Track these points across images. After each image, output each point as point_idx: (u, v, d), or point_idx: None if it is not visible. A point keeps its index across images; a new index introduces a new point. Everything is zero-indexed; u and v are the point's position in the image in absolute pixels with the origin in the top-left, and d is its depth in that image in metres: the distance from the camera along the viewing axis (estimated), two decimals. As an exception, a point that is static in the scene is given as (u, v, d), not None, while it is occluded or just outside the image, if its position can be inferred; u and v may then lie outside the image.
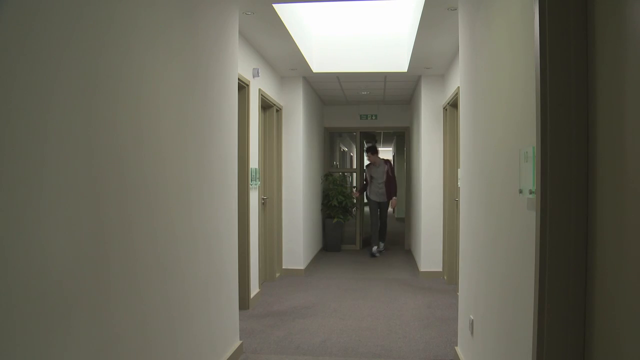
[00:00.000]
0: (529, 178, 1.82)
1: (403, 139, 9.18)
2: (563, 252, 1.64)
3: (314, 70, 6.17)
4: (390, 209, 12.43)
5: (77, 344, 1.62)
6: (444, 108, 6.23)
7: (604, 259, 1.53)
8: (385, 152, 19.60)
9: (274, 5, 3.95)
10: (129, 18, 1.99)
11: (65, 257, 1.57)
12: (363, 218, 9.19)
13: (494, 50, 2.50)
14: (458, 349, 3.43)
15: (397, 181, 8.49)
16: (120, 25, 1.91)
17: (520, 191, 1.94)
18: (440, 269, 6.34)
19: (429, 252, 6.43)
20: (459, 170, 3.60)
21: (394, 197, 8.31)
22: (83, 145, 1.66)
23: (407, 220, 8.87)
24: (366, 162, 8.57)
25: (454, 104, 5.68)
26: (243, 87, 4.66)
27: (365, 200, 8.79)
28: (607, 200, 1.52)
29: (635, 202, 1.33)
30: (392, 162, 8.56)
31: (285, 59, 5.63)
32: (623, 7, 1.42)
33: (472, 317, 2.95)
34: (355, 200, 8.91)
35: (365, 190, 8.44)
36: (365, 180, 8.42)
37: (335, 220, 8.28)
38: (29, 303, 1.40)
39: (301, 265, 6.59)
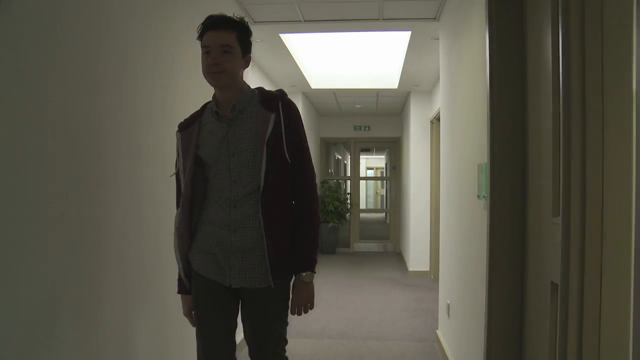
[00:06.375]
0: (483, 186, 2.41)
1: (395, 149, 9.68)
2: (505, 240, 2.22)
3: (313, 87, 6.77)
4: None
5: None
6: (431, 121, 6.83)
7: (534, 247, 2.11)
8: (379, 160, 19.90)
9: (280, 34, 4.55)
10: (168, 53, 2.55)
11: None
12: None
13: (463, 80, 3.09)
14: (438, 332, 4.01)
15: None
16: (157, 59, 2.47)
17: (478, 196, 2.53)
18: (428, 269, 6.93)
19: (417, 254, 7.02)
20: (441, 179, 4.20)
21: (309, 274, 1.84)
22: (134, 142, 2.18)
23: (397, 224, 9.45)
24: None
25: (439, 118, 6.29)
26: (251, 104, 5.23)
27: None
28: (535, 203, 2.10)
29: (546, 199, 1.91)
30: (294, 106, 1.88)
31: (287, 78, 6.23)
32: (544, 60, 2.00)
33: (449, 302, 3.53)
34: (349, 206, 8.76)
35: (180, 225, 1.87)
36: (181, 189, 1.87)
37: (330, 224, 8.85)
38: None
39: (300, 265, 7.13)
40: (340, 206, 8.97)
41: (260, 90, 1.91)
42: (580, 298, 1.44)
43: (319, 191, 8.84)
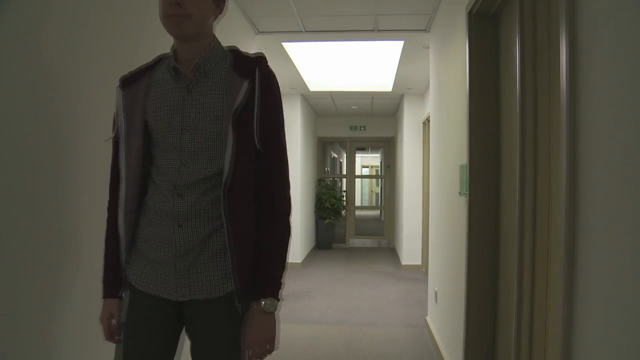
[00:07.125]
0: (464, 184, 2.76)
1: (389, 148, 10.03)
2: (482, 231, 2.57)
3: (311, 90, 7.11)
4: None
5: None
6: (423, 123, 7.18)
7: (506, 238, 2.46)
8: (374, 159, 20.27)
9: (282, 43, 4.88)
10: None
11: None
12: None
13: (449, 88, 3.43)
14: (427, 318, 4.36)
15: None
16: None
17: (460, 193, 2.88)
18: (420, 263, 7.29)
19: (409, 249, 7.39)
20: (431, 177, 4.55)
21: (272, 301, 1.35)
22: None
23: (391, 221, 9.81)
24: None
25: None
26: (253, 106, 5.57)
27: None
28: (507, 199, 2.45)
29: (512, 198, 2.26)
30: (275, 78, 1.46)
31: (288, 81, 6.56)
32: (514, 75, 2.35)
33: (436, 289, 3.88)
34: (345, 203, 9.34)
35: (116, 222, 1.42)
36: (121, 159, 1.42)
37: (327, 221, 9.20)
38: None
39: (298, 259, 7.51)
40: (336, 203, 9.32)
41: (234, 51, 1.44)
42: (531, 273, 1.79)
43: (315, 189, 9.40)
